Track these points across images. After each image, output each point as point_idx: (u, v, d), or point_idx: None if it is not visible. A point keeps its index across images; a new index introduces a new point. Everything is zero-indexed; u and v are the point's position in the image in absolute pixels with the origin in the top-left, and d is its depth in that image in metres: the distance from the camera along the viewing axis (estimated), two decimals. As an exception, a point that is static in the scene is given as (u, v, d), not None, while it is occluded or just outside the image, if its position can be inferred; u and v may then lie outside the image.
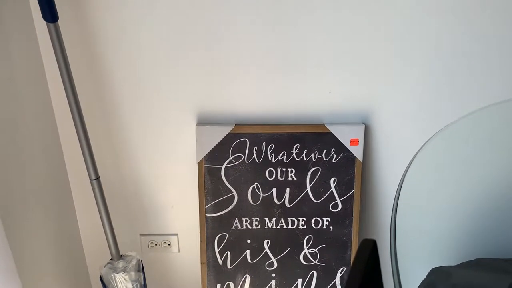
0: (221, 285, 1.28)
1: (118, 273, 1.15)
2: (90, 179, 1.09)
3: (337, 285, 1.27)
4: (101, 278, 1.17)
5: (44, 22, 0.94)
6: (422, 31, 1.09)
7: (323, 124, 1.19)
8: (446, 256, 1.26)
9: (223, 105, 1.18)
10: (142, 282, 1.21)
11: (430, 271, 1.10)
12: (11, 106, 0.98)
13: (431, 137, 0.98)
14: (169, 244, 1.35)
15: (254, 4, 1.05)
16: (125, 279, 1.17)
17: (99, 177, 1.10)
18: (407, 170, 0.94)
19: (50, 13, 0.92)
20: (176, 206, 1.30)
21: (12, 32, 0.98)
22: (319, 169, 1.21)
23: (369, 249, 0.47)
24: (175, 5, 1.05)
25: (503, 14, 1.06)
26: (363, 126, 1.18)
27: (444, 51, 1.11)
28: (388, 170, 1.23)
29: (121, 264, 1.17)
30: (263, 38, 1.10)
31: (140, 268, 1.20)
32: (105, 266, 1.17)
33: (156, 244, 1.35)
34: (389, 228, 1.31)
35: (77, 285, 1.30)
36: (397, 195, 0.90)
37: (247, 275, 1.27)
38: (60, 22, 0.96)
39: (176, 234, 1.34)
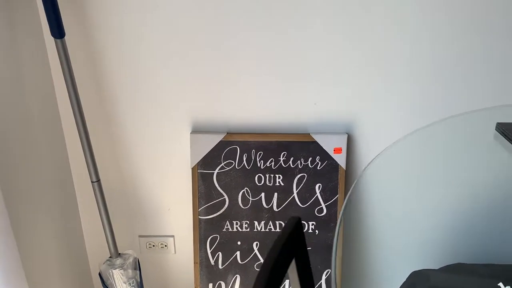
0: (212, 284, 1.35)
1: (115, 269, 1.24)
2: (92, 181, 1.19)
3: (323, 287, 1.34)
4: (100, 274, 1.26)
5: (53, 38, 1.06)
6: (401, 49, 1.17)
7: (309, 134, 1.27)
8: (427, 260, 1.32)
9: (216, 115, 1.27)
10: (138, 279, 1.29)
11: (410, 274, 1.16)
12: (21, 114, 1.09)
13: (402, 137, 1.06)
14: (166, 246, 1.44)
15: (248, 25, 1.16)
16: (122, 275, 1.25)
17: (99, 179, 1.20)
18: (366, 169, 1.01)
19: (58, 30, 1.03)
20: (173, 209, 1.39)
21: (25, 47, 1.09)
22: (305, 175, 1.29)
23: (293, 224, 0.55)
24: (171, 23, 1.16)
25: (481, 22, 1.15)
26: (346, 136, 1.26)
27: (420, 70, 1.19)
28: (368, 177, 1.30)
29: (118, 261, 1.26)
30: (254, 56, 1.19)
31: (137, 266, 1.29)
32: (104, 263, 1.26)
33: (153, 245, 1.44)
34: (374, 231, 1.38)
35: (79, 281, 1.39)
36: (346, 200, 0.97)
37: (237, 275, 1.35)
38: (66, 38, 1.07)
39: (173, 236, 1.43)
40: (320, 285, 1.34)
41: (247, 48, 1.19)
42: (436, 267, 1.19)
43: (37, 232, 1.16)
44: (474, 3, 1.12)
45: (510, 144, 0.80)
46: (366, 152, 1.29)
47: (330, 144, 1.27)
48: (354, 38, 1.17)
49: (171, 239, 1.43)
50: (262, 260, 1.34)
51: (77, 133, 1.16)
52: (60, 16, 1.04)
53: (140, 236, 1.43)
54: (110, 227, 1.25)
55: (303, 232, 0.57)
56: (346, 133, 1.27)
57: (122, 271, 1.25)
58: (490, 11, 1.13)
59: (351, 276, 1.42)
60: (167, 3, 1.13)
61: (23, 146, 1.10)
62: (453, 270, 1.20)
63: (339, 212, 1.29)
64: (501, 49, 1.16)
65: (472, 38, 1.15)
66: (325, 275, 1.33)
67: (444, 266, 1.21)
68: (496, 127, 0.89)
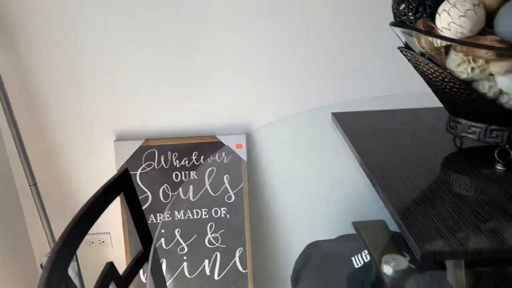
0: (142, 269, 1.57)
1: (55, 260, 1.45)
2: (29, 185, 1.41)
3: (237, 263, 1.58)
4: (41, 265, 1.46)
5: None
6: (289, 61, 1.47)
7: (215, 135, 1.54)
8: (322, 234, 1.59)
9: (135, 125, 1.52)
10: (76, 270, 1.50)
11: (306, 246, 1.42)
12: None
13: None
14: (103, 241, 1.66)
15: (159, 46, 1.43)
16: (61, 265, 1.46)
17: (36, 183, 1.42)
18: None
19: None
20: (107, 208, 1.61)
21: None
22: (214, 169, 1.54)
23: (121, 172, 0.81)
24: (96, 44, 1.41)
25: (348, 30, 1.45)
26: (245, 135, 1.53)
27: (302, 78, 1.49)
28: (266, 166, 1.57)
29: (57, 253, 1.47)
30: (164, 74, 1.46)
31: (74, 258, 1.50)
32: (45, 256, 1.47)
33: (92, 242, 1.65)
34: (274, 214, 1.64)
35: (26, 275, 1.59)
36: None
37: (163, 259, 1.58)
38: None
39: (108, 233, 1.65)
40: (235, 262, 1.58)
41: (158, 69, 1.45)
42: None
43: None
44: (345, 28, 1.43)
45: (341, 129, 1.08)
46: (262, 146, 1.56)
47: (233, 142, 1.53)
48: (244, 53, 1.46)
49: (107, 235, 1.65)
50: (184, 245, 1.57)
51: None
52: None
53: (79, 234, 1.64)
54: (48, 224, 1.47)
55: (130, 176, 0.83)
56: (245, 133, 1.54)
57: (61, 262, 1.46)
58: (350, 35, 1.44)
59: (259, 253, 1.68)
60: (93, 35, 1.39)
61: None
62: (339, 239, 1.47)
63: (245, 197, 1.55)
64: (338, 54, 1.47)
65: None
66: (238, 253, 1.58)
67: (335, 238, 1.48)
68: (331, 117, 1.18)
